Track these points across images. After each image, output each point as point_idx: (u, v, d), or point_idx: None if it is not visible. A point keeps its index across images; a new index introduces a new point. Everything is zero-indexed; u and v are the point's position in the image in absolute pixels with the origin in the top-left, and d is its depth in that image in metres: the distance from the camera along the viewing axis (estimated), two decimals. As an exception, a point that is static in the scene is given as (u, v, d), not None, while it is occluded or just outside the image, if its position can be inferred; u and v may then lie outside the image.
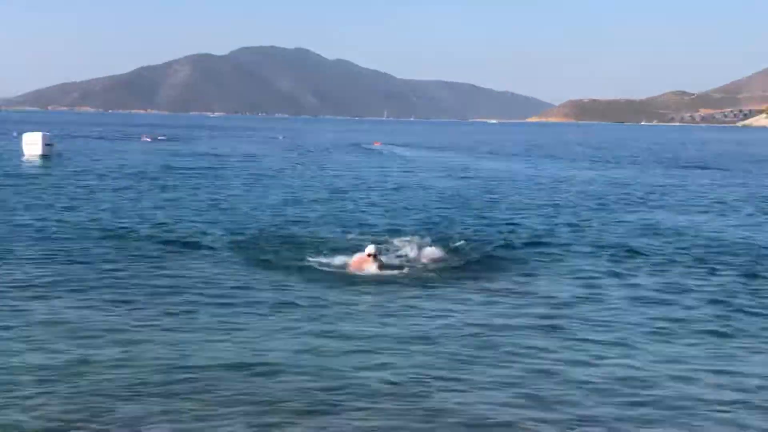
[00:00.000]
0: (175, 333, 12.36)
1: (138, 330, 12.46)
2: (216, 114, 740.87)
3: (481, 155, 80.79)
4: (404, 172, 52.42)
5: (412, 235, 22.29)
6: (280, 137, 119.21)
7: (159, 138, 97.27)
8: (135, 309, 13.78)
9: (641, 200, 35.80)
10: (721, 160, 78.14)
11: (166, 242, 20.78)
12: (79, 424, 8.84)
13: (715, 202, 35.42)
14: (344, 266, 17.50)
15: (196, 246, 20.28)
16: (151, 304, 14.15)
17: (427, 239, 21.08)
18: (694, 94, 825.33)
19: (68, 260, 18.06)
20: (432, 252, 18.90)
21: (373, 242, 18.63)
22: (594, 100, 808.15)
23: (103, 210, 27.16)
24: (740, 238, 24.38)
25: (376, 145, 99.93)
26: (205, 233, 22.37)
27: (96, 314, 13.37)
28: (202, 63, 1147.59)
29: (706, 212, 31.59)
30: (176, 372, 10.51)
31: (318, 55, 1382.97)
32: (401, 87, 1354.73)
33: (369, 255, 17.32)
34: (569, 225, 26.65)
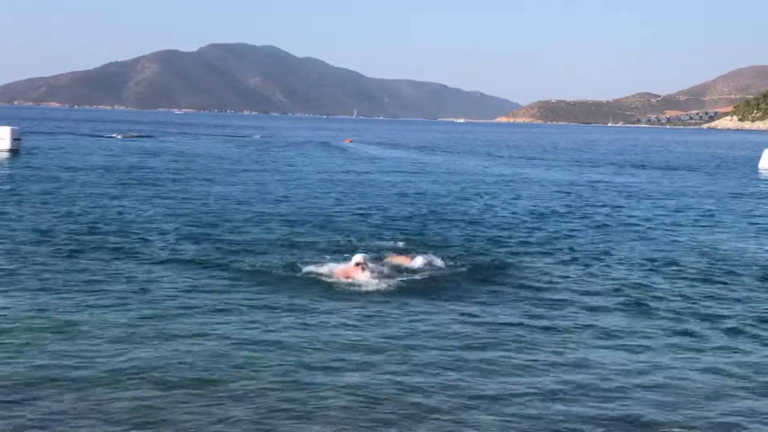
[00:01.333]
0: (149, 340, 12.13)
1: (104, 338, 12.16)
2: (183, 111, 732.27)
3: (452, 154, 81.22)
4: (376, 171, 52.72)
5: (392, 240, 22.29)
6: (257, 136, 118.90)
7: (132, 136, 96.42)
8: (97, 314, 13.45)
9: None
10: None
11: (135, 246, 20.22)
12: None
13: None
14: (329, 274, 17.04)
15: (169, 251, 19.79)
16: (119, 311, 13.73)
17: (405, 244, 21.04)
18: (660, 96, 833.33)
19: (33, 261, 17.83)
20: (414, 259, 18.54)
21: (359, 250, 18.31)
22: (561, 101, 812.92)
23: (71, 211, 26.43)
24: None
25: (347, 143, 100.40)
26: (178, 238, 21.90)
27: (54, 317, 13.14)
28: (170, 59, 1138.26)
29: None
30: (149, 382, 10.34)
31: (287, 52, 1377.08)
32: (371, 86, 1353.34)
33: (357, 264, 16.83)
34: (546, 228, 27.11)
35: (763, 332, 13.76)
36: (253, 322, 13.36)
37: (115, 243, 20.52)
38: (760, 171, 65.26)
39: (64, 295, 14.71)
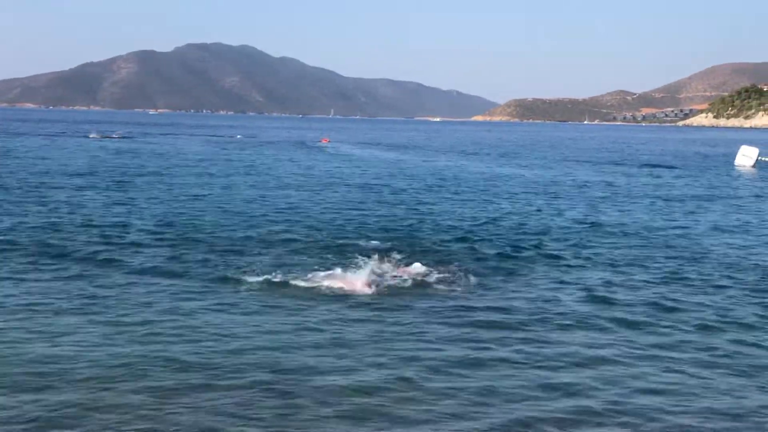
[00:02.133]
0: (121, 347, 11.86)
1: (74, 345, 11.91)
2: (159, 111, 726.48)
3: (431, 154, 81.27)
4: (353, 171, 52.64)
5: (374, 240, 21.93)
6: (238, 136, 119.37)
7: (111, 136, 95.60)
8: (67, 322, 13.14)
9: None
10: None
11: (110, 251, 19.58)
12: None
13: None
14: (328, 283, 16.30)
15: (147, 256, 19.23)
16: (90, 318, 13.41)
17: (393, 251, 20.16)
18: (635, 94, 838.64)
19: (4, 266, 17.49)
20: (402, 265, 18.02)
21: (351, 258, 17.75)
22: (538, 100, 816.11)
23: (47, 215, 25.90)
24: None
25: (325, 143, 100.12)
26: (156, 242, 21.38)
27: (23, 327, 12.89)
28: (147, 59, 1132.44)
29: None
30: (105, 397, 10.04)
31: (264, 52, 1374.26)
32: (347, 85, 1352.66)
33: (367, 284, 16.17)
34: (529, 227, 27.09)
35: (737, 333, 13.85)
36: (234, 336, 12.77)
37: (89, 248, 20.09)
38: (736, 167, 65.94)
39: (35, 303, 14.34)
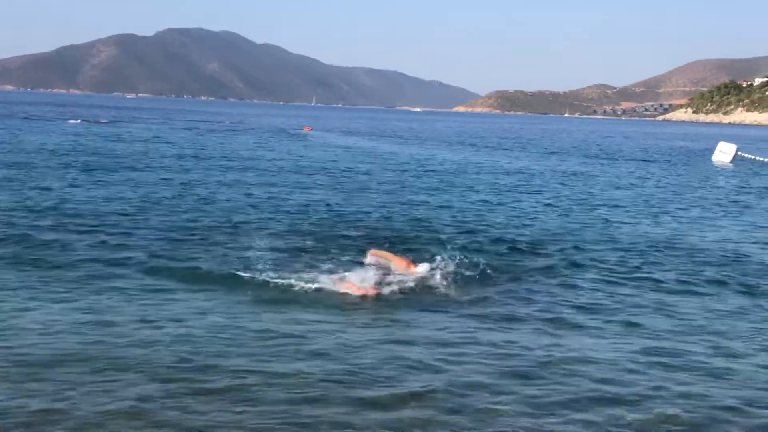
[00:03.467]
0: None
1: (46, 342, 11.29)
2: (139, 95, 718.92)
3: (415, 142, 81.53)
4: (341, 163, 52.71)
5: (368, 237, 20.97)
6: (227, 121, 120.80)
7: (101, 121, 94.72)
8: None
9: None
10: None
11: (82, 240, 18.77)
12: None
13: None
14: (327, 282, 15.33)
15: (119, 249, 18.10)
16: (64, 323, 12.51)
17: (385, 246, 19.01)
18: (616, 88, 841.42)
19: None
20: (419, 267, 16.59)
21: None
22: (519, 92, 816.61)
23: (20, 201, 24.75)
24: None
25: (307, 131, 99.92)
26: (134, 235, 20.28)
27: None
28: (127, 43, 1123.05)
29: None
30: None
31: (245, 38, 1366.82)
32: (329, 73, 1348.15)
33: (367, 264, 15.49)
34: (528, 225, 27.24)
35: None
36: (230, 340, 11.99)
37: (45, 236, 19.17)
38: (714, 163, 66.81)
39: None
